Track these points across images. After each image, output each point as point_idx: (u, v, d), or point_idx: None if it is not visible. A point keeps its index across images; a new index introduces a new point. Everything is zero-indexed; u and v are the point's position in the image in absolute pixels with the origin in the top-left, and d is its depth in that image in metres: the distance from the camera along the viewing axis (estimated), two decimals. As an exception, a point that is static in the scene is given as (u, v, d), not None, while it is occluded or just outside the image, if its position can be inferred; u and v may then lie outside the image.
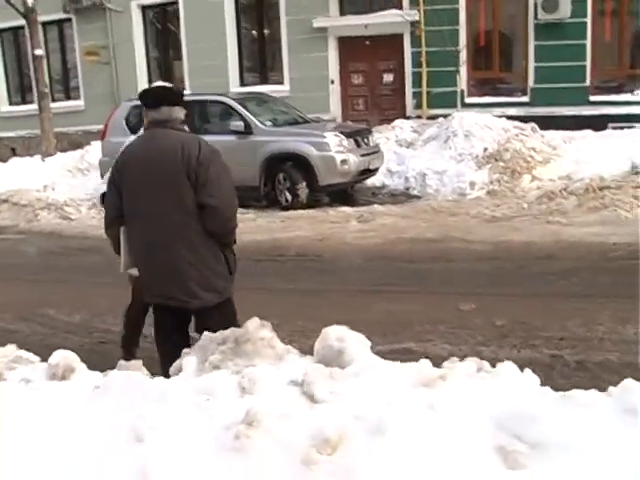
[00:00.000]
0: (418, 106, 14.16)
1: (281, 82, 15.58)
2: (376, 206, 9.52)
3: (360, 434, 1.69)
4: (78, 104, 17.54)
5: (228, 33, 15.53)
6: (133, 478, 1.69)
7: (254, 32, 16.06)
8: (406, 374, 2.00)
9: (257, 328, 2.29)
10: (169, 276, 3.28)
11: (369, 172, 10.38)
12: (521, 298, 5.32)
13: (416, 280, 6.02)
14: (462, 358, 2.44)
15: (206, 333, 2.50)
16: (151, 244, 3.28)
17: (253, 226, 9.26)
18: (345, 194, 10.82)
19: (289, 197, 10.05)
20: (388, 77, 14.76)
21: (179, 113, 3.35)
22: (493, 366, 2.23)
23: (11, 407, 2.24)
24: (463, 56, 13.46)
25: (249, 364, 2.11)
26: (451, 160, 10.73)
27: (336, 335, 2.17)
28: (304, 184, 9.84)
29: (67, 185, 13.88)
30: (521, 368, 2.17)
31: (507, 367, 2.09)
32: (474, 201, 9.27)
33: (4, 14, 15.41)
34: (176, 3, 15.86)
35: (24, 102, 18.10)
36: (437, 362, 2.45)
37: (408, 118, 13.82)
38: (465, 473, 1.62)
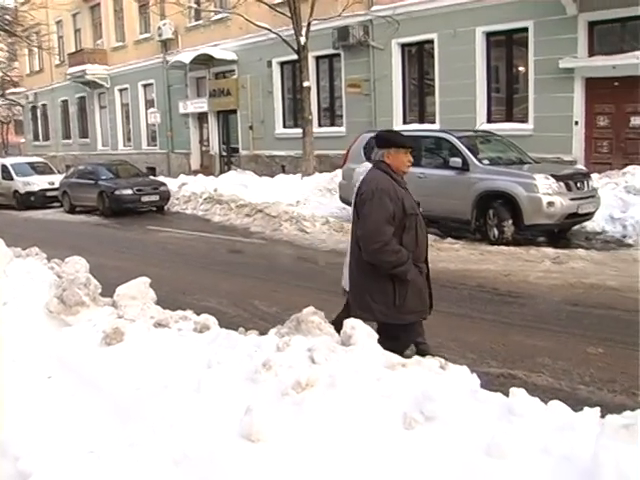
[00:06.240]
0: (666, 152, 13.60)
1: (525, 120, 15.91)
2: (579, 250, 9.67)
3: (322, 384, 2.61)
4: (340, 130, 19.57)
5: (478, 70, 16.27)
6: (201, 368, 2.85)
7: (502, 70, 16.61)
8: (382, 358, 2.85)
9: (310, 314, 3.29)
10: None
11: (578, 216, 10.50)
12: (635, 348, 5.43)
13: (564, 321, 6.40)
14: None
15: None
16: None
17: (454, 256, 10.04)
18: (558, 235, 11.06)
19: (496, 233, 10.61)
20: (636, 120, 14.27)
21: (376, 154, 4.06)
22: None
23: (164, 340, 3.56)
24: None
25: (297, 336, 3.13)
26: (675, 212, 10.40)
27: (350, 325, 3.09)
28: (510, 222, 10.35)
29: (316, 202, 15.87)
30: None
31: (434, 362, 2.82)
32: (684, 256, 9.01)
33: (287, 50, 17.98)
34: (432, 42, 17.09)
35: (295, 126, 20.66)
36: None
37: (655, 164, 13.41)
38: (377, 425, 2.47)
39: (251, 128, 22.56)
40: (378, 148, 4.03)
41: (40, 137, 37.85)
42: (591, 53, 14.45)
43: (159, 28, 25.58)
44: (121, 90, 29.86)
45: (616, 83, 14.10)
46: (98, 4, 30.46)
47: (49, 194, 21.32)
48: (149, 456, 2.44)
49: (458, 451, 2.31)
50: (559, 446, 2.31)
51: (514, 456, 2.25)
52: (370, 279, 3.88)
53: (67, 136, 34.59)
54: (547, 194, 10.10)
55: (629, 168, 12.58)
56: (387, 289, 3.83)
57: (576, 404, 2.79)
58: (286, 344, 2.97)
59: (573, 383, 4.89)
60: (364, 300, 3.95)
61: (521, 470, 2.21)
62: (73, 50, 31.82)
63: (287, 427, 2.43)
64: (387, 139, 4.06)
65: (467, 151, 11.11)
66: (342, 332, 3.12)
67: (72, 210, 19.66)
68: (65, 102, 34.29)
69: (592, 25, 14.38)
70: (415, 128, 15.96)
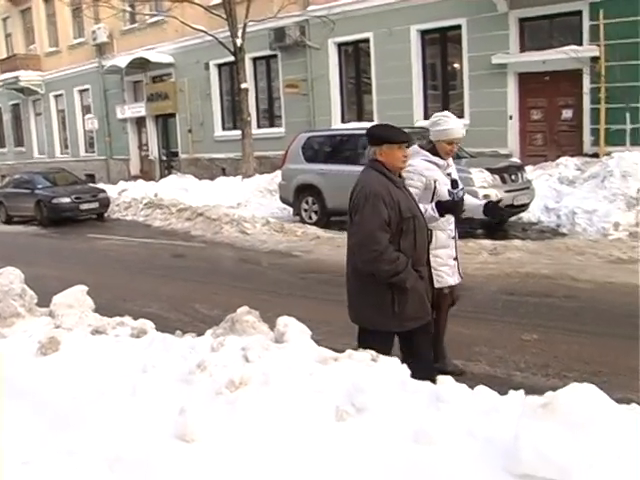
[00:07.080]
0: (596, 143, 14.06)
1: (462, 116, 16.21)
2: (515, 241, 9.96)
3: (255, 382, 2.66)
4: (280, 131, 19.61)
5: (414, 68, 16.57)
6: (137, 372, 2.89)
7: (438, 67, 16.93)
8: (314, 353, 2.92)
9: (244, 313, 3.33)
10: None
11: (514, 208, 10.79)
12: (567, 333, 5.75)
13: (500, 310, 6.61)
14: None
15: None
16: None
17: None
18: (496, 227, 11.33)
19: (435, 227, 10.81)
20: (567, 113, 14.75)
21: (369, 152, 3.67)
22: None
23: (100, 347, 3.55)
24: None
25: (232, 336, 3.17)
26: (604, 200, 10.80)
27: (283, 322, 3.16)
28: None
29: (257, 204, 15.88)
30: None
31: (365, 355, 2.91)
32: (613, 242, 9.36)
33: (224, 52, 17.92)
34: (367, 41, 17.29)
35: (234, 128, 20.58)
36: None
37: (585, 155, 13.87)
38: (310, 419, 2.53)
39: (190, 131, 22.40)
40: (370, 146, 3.66)
41: (-27, 146, 36.72)
42: (522, 49, 14.88)
43: (93, 32, 25.14)
44: (56, 96, 29.22)
45: (547, 77, 14.55)
46: (29, 8, 29.73)
47: (-16, 205, 20.69)
48: (85, 463, 2.44)
49: (387, 440, 2.38)
50: (484, 429, 2.40)
51: (441, 442, 2.33)
52: (367, 286, 3.62)
53: (1, 145, 33.65)
54: (482, 187, 10.37)
55: (562, 159, 13.02)
56: (385, 297, 3.58)
57: (510, 389, 2.88)
58: (220, 344, 3.00)
59: (509, 370, 5.06)
60: (353, 304, 3.78)
61: (448, 455, 2.29)
62: (4, 56, 30.96)
63: (221, 426, 2.46)
64: (378, 135, 3.66)
65: (404, 148, 11.26)
66: (275, 329, 3.18)
67: (9, 221, 19.15)
68: (-2, 110, 33.38)
69: (522, 22, 14.82)
70: (353, 126, 16.09)
